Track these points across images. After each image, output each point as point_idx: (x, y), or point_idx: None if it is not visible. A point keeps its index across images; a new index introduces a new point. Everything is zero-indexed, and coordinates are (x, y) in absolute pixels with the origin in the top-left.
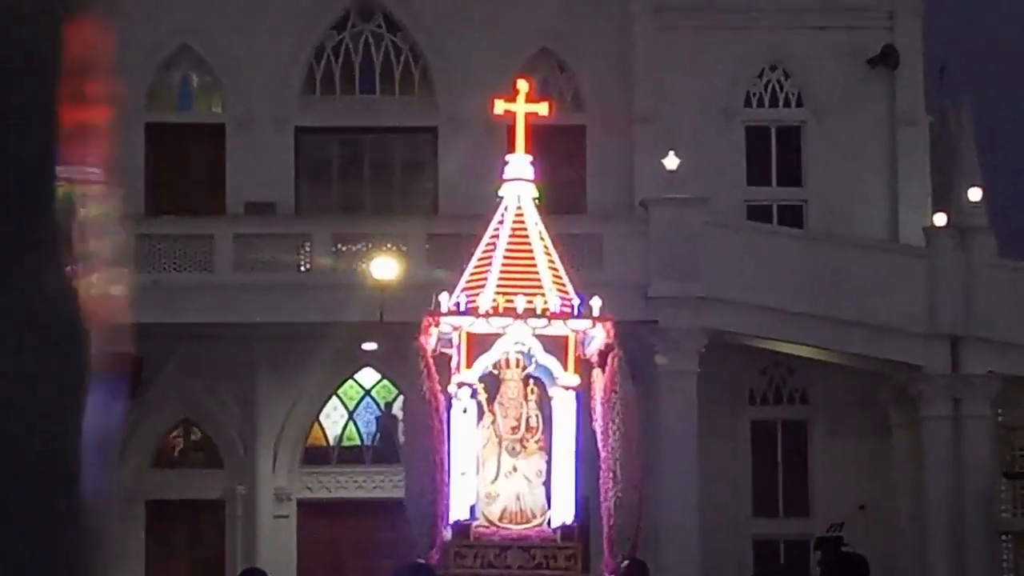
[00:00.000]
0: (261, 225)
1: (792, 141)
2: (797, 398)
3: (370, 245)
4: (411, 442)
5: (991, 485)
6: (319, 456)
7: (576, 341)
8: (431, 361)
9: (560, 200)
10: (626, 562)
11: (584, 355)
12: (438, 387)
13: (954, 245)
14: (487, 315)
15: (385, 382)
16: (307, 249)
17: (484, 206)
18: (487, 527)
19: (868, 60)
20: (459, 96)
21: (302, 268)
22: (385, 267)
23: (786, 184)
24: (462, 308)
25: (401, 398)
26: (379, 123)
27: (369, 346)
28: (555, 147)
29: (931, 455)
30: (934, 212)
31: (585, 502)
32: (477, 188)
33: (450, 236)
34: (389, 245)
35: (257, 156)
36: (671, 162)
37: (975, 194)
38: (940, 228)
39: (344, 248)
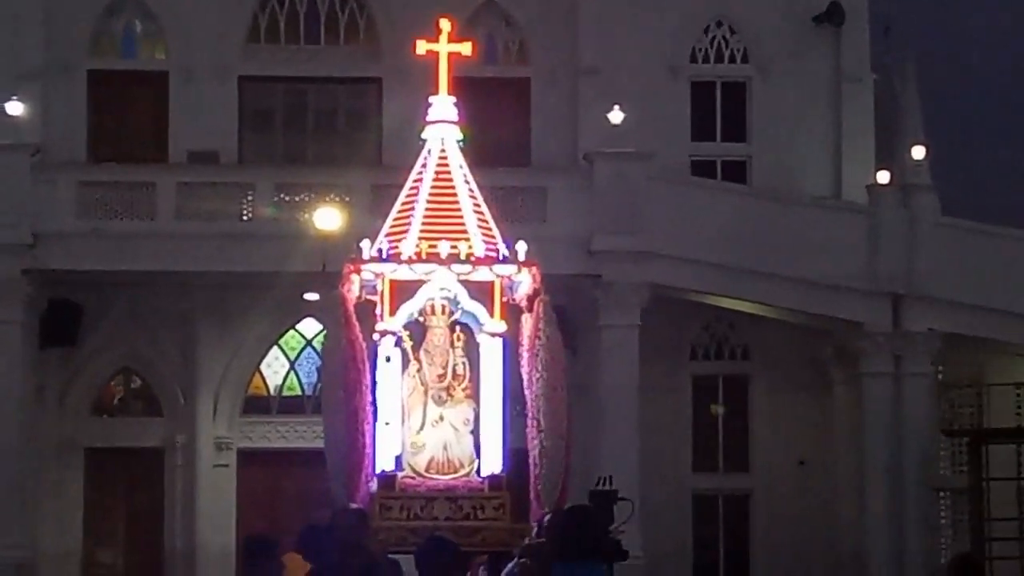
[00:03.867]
0: (204, 174)
1: (737, 97)
2: (738, 353)
3: (313, 195)
4: (329, 392)
5: (930, 442)
6: (260, 406)
7: (502, 287)
8: (351, 310)
9: (504, 153)
10: (548, 514)
11: (513, 300)
12: (359, 336)
13: (897, 203)
14: (410, 261)
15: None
16: (250, 198)
17: None
18: (413, 478)
19: (814, 17)
20: (404, 47)
21: (245, 217)
22: (328, 217)
23: (730, 140)
24: (384, 255)
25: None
26: (323, 73)
27: (311, 296)
28: (499, 100)
29: (871, 412)
30: (877, 170)
31: (518, 452)
32: (421, 139)
33: (393, 187)
34: (332, 195)
35: (200, 105)
36: (616, 116)
37: (919, 152)
38: (883, 186)
39: (287, 198)
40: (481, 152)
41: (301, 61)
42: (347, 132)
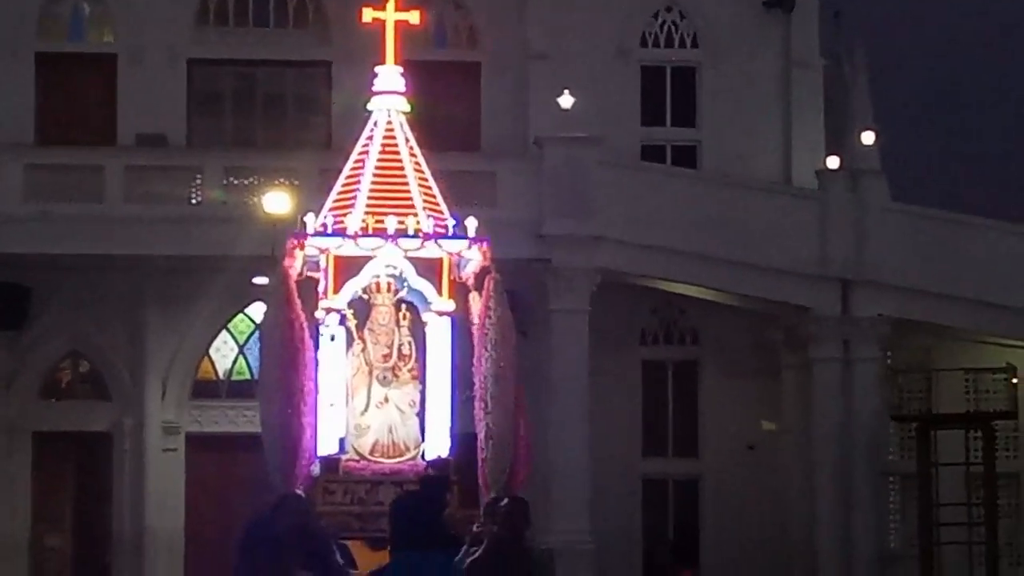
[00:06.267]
0: (152, 157)
1: (687, 82)
2: (688, 338)
3: (262, 179)
4: (267, 372)
5: (879, 427)
6: (208, 390)
7: (451, 264)
8: (293, 286)
9: (454, 137)
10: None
11: (460, 278)
12: (301, 314)
13: (846, 188)
14: (356, 236)
15: None
16: (198, 182)
17: None
18: (357, 461)
19: (764, 2)
20: (353, 30)
21: (193, 201)
22: (277, 201)
23: (680, 125)
24: (329, 229)
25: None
26: (272, 56)
27: (260, 280)
28: (449, 84)
29: (820, 397)
30: (827, 155)
31: (468, 437)
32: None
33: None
34: (281, 179)
35: (149, 87)
36: (566, 101)
37: (868, 137)
38: (833, 171)
39: (236, 181)
40: (431, 136)
41: (250, 44)
42: (296, 115)
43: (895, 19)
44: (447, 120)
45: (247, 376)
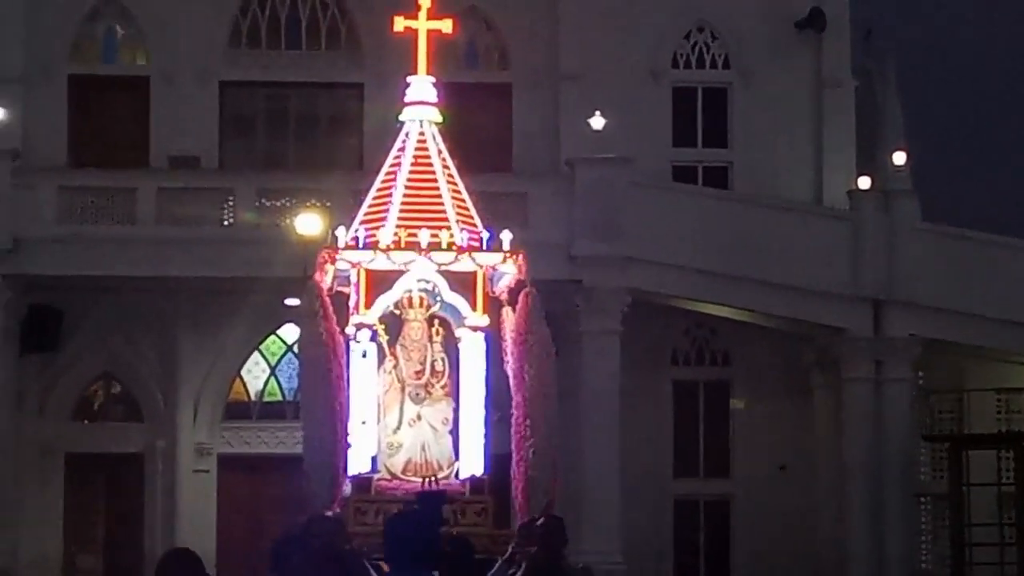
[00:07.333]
0: (184, 179)
1: (718, 103)
2: (719, 359)
3: (294, 200)
4: (307, 389)
5: (911, 447)
6: (240, 411)
7: (485, 277)
8: (327, 301)
9: (485, 158)
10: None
11: (493, 292)
12: (336, 328)
13: (878, 208)
14: (388, 250)
15: None
16: (231, 203)
17: None
18: (389, 480)
19: (795, 23)
20: (385, 51)
21: (225, 223)
22: (309, 222)
23: (712, 145)
24: (361, 243)
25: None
26: (305, 78)
27: (292, 301)
28: (481, 104)
29: (852, 417)
30: (858, 175)
31: (500, 458)
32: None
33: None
34: (313, 200)
35: (181, 110)
36: (597, 122)
37: (899, 158)
38: (864, 191)
39: (268, 203)
40: (462, 156)
41: (282, 66)
42: (328, 137)
43: (926, 38)
44: (479, 141)
45: (279, 397)
